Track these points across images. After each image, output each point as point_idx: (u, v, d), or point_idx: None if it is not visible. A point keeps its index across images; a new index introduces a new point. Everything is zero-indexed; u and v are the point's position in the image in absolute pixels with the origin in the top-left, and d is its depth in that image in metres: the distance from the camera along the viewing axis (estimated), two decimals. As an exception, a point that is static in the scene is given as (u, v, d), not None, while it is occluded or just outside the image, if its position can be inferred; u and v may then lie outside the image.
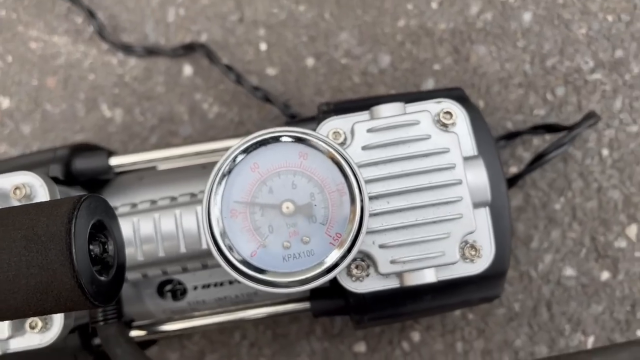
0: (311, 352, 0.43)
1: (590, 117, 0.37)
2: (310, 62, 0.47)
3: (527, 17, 0.47)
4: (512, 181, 0.39)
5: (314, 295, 0.32)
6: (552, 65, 0.46)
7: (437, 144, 0.27)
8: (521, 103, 0.45)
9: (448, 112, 0.28)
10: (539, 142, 0.44)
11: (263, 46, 0.47)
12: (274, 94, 0.44)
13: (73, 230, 0.20)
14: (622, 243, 0.43)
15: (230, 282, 0.33)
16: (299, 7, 0.48)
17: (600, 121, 0.45)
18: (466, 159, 0.28)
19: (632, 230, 0.43)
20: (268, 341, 0.43)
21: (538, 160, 0.37)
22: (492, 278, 0.31)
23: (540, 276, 0.43)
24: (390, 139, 0.27)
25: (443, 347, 0.43)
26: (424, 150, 0.27)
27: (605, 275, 0.43)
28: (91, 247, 0.21)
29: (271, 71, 0.47)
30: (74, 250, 0.19)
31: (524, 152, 0.45)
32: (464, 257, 0.27)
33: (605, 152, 0.44)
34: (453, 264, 0.27)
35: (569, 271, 0.43)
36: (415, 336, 0.43)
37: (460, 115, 0.28)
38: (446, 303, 0.31)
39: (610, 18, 0.46)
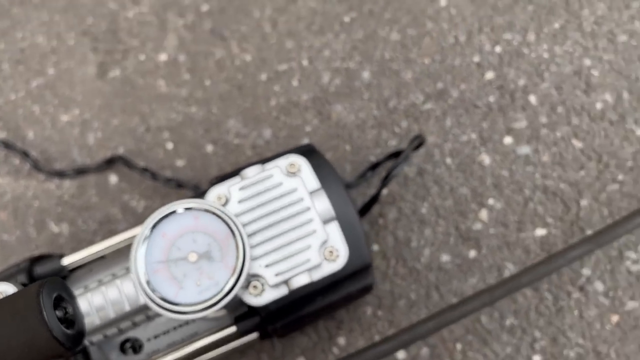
0: (262, 377, 0.52)
1: (415, 139, 0.50)
2: (209, 148, 0.59)
3: (366, 75, 0.60)
4: (375, 199, 0.51)
5: (237, 319, 0.42)
6: (393, 106, 0.59)
7: (287, 187, 0.39)
8: (377, 140, 0.58)
9: (292, 164, 0.40)
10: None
11: (169, 145, 0.59)
12: (185, 180, 0.56)
13: (42, 302, 0.30)
14: (478, 225, 0.55)
15: (175, 328, 0.43)
16: (192, 109, 0.60)
17: (439, 137, 0.58)
18: (312, 192, 0.39)
19: (483, 214, 0.56)
20: (226, 378, 0.52)
21: (386, 179, 0.49)
22: (360, 271, 0.42)
23: (424, 267, 0.54)
24: (255, 191, 0.39)
25: (364, 342, 0.53)
26: (279, 193, 0.38)
27: (472, 253, 0.55)
28: (57, 311, 0.31)
29: (180, 163, 0.58)
30: (45, 314, 0.29)
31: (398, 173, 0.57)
32: (326, 259, 0.38)
33: (448, 160, 0.57)
34: (319, 265, 0.38)
35: (445, 257, 0.55)
36: (342, 340, 0.53)
37: (302, 163, 0.40)
38: (335, 299, 0.42)
39: (427, 61, 0.61)
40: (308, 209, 0.38)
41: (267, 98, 0.60)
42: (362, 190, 0.57)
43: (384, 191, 0.57)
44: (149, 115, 0.60)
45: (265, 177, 0.39)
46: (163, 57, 0.62)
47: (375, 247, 0.55)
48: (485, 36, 0.61)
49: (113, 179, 0.58)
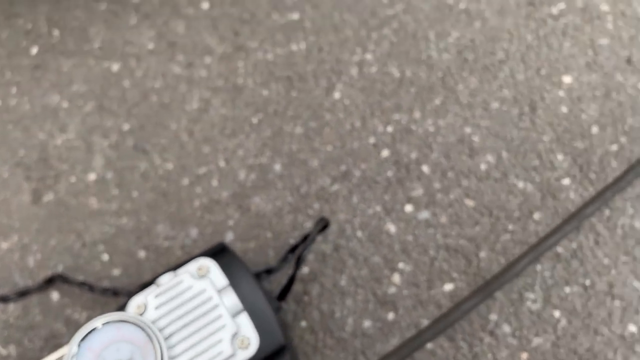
0: None
1: (320, 222, 0.56)
2: (142, 254, 0.64)
3: (277, 167, 0.67)
4: (292, 280, 0.57)
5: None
6: (305, 191, 0.66)
7: (197, 289, 0.44)
8: (294, 224, 0.64)
9: (200, 267, 0.45)
10: (314, 245, 0.63)
11: (105, 257, 0.64)
12: (120, 288, 0.60)
13: None
14: (393, 289, 0.61)
15: None
16: (122, 220, 0.65)
17: (348, 214, 0.64)
18: (221, 289, 0.45)
19: (396, 278, 0.62)
20: None
21: (298, 261, 0.55)
22: (278, 352, 0.47)
23: (350, 335, 0.59)
24: (169, 297, 0.44)
25: (303, 416, 0.57)
26: (190, 296, 0.44)
27: (391, 315, 0.60)
28: None
29: (116, 272, 0.63)
30: None
31: (308, 254, 0.63)
32: (239, 348, 0.43)
33: (359, 233, 0.64)
34: (233, 355, 0.43)
35: (366, 323, 0.60)
36: (282, 417, 0.57)
37: (211, 265, 0.46)
38: (258, 382, 0.47)
39: (329, 148, 0.68)
40: (216, 306, 0.44)
41: (191, 200, 0.66)
42: (286, 271, 0.62)
43: (306, 269, 0.62)
44: (83, 231, 0.65)
45: (177, 283, 0.44)
46: (92, 176, 0.68)
47: (304, 323, 0.60)
48: (377, 119, 0.69)
49: (55, 295, 0.62)
